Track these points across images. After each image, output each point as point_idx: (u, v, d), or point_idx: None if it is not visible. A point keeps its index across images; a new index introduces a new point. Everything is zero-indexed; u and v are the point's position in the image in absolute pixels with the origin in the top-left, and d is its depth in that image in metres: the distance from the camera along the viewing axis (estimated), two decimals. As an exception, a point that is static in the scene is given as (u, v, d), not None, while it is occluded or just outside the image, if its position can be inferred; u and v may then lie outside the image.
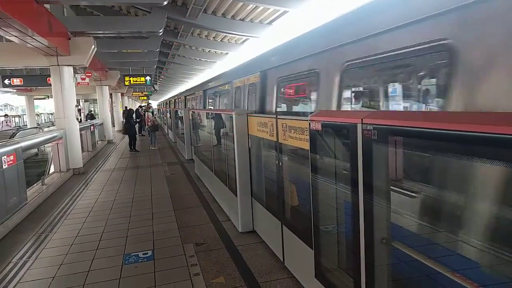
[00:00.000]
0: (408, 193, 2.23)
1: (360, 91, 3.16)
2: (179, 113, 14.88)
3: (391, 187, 2.19)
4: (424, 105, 2.43)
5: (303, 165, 3.40)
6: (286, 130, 3.66)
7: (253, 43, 15.46)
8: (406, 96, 2.61)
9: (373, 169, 2.15)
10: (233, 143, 5.18)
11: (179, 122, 14.57)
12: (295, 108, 4.44)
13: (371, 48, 2.60)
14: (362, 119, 2.17)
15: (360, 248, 2.29)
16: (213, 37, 16.95)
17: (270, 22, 12.93)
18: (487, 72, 1.79)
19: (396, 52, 2.35)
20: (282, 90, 4.59)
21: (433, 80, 2.37)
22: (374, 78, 2.97)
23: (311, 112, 2.99)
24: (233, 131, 5.14)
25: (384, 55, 2.45)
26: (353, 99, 3.14)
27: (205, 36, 16.88)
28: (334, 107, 3.12)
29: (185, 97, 17.26)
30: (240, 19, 13.03)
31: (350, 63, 2.90)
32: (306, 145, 3.07)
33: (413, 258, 2.10)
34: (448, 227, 2.00)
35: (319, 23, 3.73)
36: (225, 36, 16.18)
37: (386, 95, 2.80)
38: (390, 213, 2.18)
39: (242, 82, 6.32)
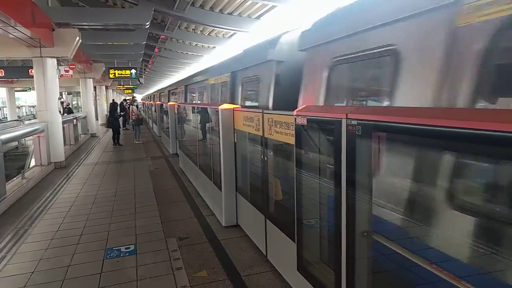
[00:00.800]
0: (392, 188, 2.25)
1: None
2: (164, 107, 15.08)
3: (374, 182, 2.21)
4: None
5: (287, 160, 3.41)
6: (272, 125, 3.65)
7: (240, 37, 15.38)
8: None
9: (357, 164, 2.16)
10: (219, 137, 5.16)
11: (164, 116, 14.71)
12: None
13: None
14: (347, 114, 2.17)
15: (342, 241, 2.31)
16: (201, 31, 16.78)
17: (259, 17, 12.87)
18: None
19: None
20: (191, 94, 11.14)
21: None
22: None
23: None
24: (218, 126, 5.12)
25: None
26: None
27: (193, 29, 16.70)
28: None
29: (160, 93, 23.66)
30: (228, 13, 12.93)
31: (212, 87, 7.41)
32: (292, 140, 3.07)
33: (393, 251, 2.13)
34: (428, 221, 2.03)
35: (306, 19, 3.75)
36: (213, 30, 16.03)
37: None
38: (371, 207, 2.20)
39: (179, 90, 13.67)
